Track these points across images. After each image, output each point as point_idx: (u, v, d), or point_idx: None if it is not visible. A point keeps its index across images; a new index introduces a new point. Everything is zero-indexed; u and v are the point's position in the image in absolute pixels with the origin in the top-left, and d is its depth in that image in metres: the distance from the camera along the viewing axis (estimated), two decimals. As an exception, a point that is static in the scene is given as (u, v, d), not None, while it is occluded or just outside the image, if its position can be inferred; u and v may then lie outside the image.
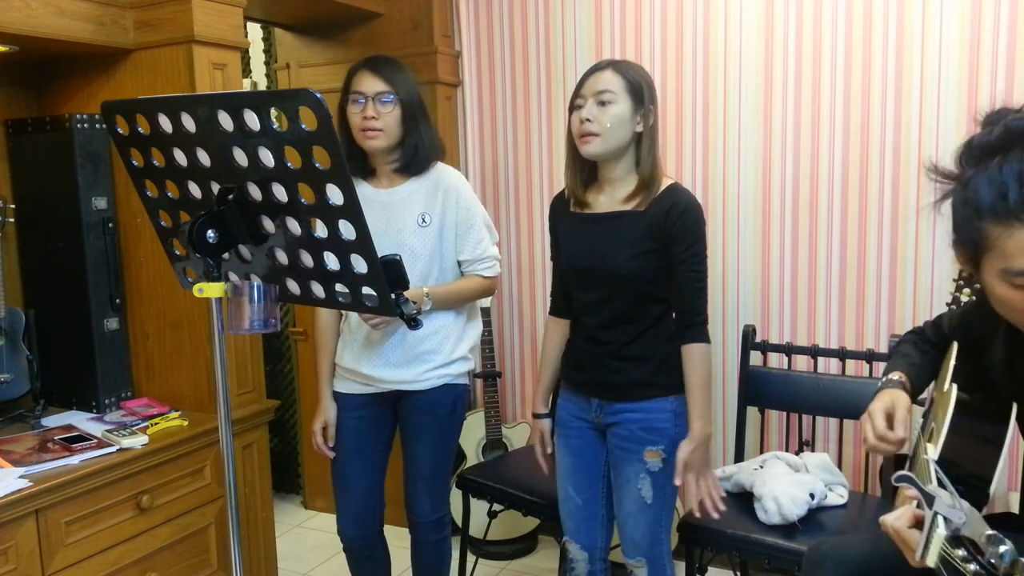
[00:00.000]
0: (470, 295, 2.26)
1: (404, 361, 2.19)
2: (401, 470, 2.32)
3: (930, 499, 1.16)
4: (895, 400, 1.53)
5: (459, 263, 2.24)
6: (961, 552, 1.07)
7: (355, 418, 2.26)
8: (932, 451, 1.36)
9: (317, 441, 2.27)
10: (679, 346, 1.97)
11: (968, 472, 1.34)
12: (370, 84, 2.12)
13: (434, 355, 2.21)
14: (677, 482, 1.96)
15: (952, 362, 1.55)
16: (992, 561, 1.03)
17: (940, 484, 1.22)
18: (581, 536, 2.12)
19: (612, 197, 1.99)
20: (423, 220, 2.17)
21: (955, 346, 1.58)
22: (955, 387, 1.45)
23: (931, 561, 1.11)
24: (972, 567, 1.05)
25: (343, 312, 2.27)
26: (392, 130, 2.13)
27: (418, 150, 2.17)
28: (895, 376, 1.60)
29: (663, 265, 1.93)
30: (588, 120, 1.90)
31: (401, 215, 2.18)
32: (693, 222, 1.92)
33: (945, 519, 1.13)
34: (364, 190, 2.21)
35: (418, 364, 2.20)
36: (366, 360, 2.20)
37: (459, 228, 2.21)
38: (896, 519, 1.24)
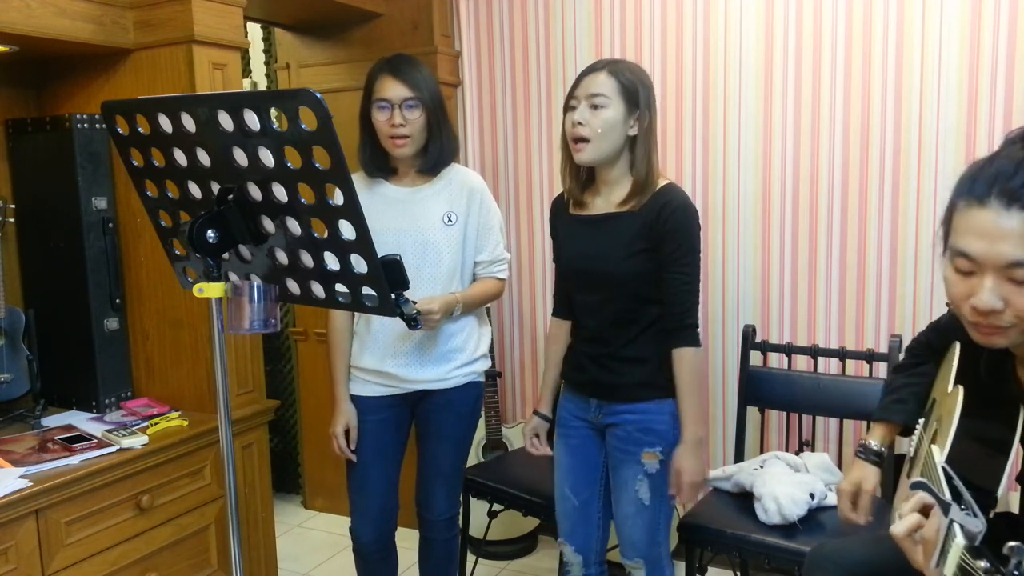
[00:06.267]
0: (488, 297, 2.30)
1: (431, 360, 2.20)
2: (407, 471, 2.33)
3: (946, 507, 1.13)
4: (863, 479, 1.63)
5: (476, 264, 2.26)
6: (983, 563, 1.02)
7: (375, 421, 2.25)
8: (939, 455, 1.34)
9: (340, 444, 2.24)
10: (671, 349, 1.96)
11: (973, 478, 1.33)
12: (395, 90, 2.12)
13: (460, 353, 2.23)
14: (672, 491, 1.96)
15: (955, 362, 1.54)
16: (1016, 572, 0.98)
17: (955, 490, 1.20)
18: (576, 538, 2.12)
19: (608, 199, 1.98)
20: (449, 219, 2.19)
21: (957, 346, 1.57)
22: (961, 389, 1.44)
23: (948, 571, 1.07)
24: None
25: (356, 313, 2.27)
26: (419, 135, 2.15)
27: (441, 151, 2.19)
28: (873, 443, 1.67)
29: (657, 266, 1.93)
30: (580, 123, 1.89)
31: (425, 214, 2.19)
32: (684, 222, 1.90)
33: (961, 527, 1.09)
34: (387, 190, 2.23)
35: (445, 362, 2.21)
36: (392, 360, 2.20)
37: (480, 229, 2.24)
38: (903, 529, 1.22)
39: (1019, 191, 1.12)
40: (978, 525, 1.09)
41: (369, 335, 2.22)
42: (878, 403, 1.73)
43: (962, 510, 1.11)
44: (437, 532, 2.32)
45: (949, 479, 1.24)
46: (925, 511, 1.20)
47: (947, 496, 1.16)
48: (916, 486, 1.20)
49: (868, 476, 1.64)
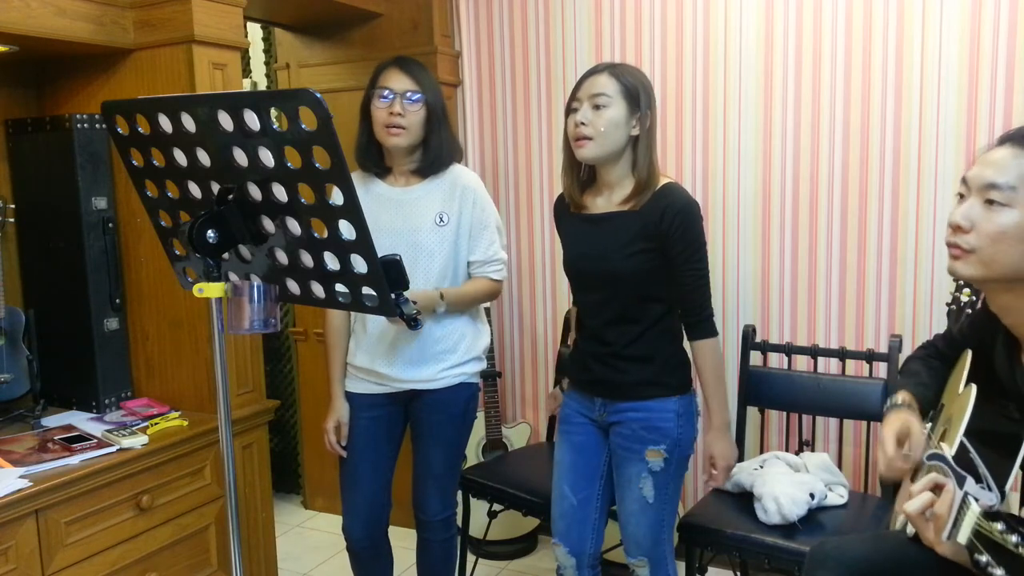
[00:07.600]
0: (479, 298, 2.28)
1: (420, 360, 2.20)
2: (404, 470, 2.32)
3: (961, 479, 1.16)
4: (906, 422, 1.54)
5: (468, 264, 2.25)
6: (1000, 525, 1.07)
7: (368, 418, 2.26)
8: (947, 449, 1.35)
9: (330, 440, 2.27)
10: (683, 345, 1.99)
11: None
12: (399, 81, 2.13)
13: (450, 354, 2.22)
14: (706, 476, 2.04)
15: (967, 368, 1.55)
16: None
17: (971, 463, 1.22)
18: (571, 538, 2.10)
19: (610, 199, 1.99)
20: (440, 220, 2.18)
21: (968, 353, 1.58)
22: (974, 387, 1.44)
23: (962, 538, 1.10)
24: (1014, 538, 1.05)
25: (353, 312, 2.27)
26: (415, 129, 2.15)
27: (437, 153, 2.19)
28: (900, 399, 1.61)
29: (660, 265, 1.94)
30: (583, 123, 1.90)
31: (417, 214, 2.19)
32: (690, 221, 1.92)
33: (976, 500, 1.12)
34: (380, 188, 2.23)
35: (434, 363, 2.21)
36: (381, 359, 2.20)
37: (473, 229, 2.23)
38: (916, 506, 1.25)
39: (1016, 134, 1.37)
40: (993, 499, 1.11)
41: (364, 334, 2.23)
42: (895, 384, 1.72)
43: (977, 484, 1.13)
44: (432, 533, 2.33)
45: (965, 451, 1.25)
46: (936, 490, 1.22)
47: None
48: (932, 458, 1.21)
49: (909, 419, 1.55)
